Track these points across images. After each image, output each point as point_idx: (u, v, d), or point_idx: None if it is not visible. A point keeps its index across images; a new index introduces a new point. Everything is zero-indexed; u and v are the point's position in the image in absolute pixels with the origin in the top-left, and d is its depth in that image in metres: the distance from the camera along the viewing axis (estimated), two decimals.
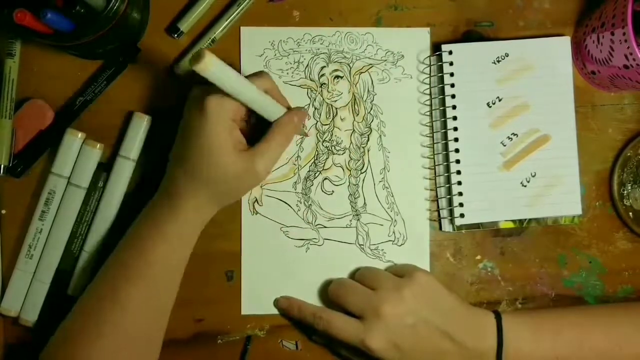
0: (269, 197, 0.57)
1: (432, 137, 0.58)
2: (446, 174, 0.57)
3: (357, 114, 0.57)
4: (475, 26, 0.58)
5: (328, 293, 0.54)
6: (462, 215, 0.56)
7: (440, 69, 0.57)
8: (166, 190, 0.51)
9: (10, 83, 0.55)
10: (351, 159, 0.58)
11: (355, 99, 0.58)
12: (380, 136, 0.58)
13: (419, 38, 0.58)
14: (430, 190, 0.58)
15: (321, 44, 0.57)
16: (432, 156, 0.58)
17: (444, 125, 0.57)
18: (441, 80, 0.57)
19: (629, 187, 0.58)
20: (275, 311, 0.57)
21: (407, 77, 0.58)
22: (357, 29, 0.58)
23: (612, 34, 0.50)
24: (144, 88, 0.57)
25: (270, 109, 0.50)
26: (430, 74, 0.58)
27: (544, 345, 0.52)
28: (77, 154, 0.55)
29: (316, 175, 0.57)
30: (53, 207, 0.55)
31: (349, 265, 0.57)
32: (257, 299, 0.56)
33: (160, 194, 0.51)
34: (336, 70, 0.57)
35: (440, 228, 0.58)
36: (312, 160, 0.57)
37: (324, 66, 0.57)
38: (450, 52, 0.56)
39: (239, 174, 0.49)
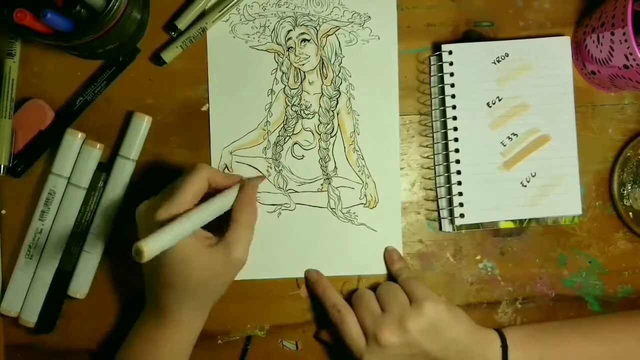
0: (238, 163, 0.57)
1: (432, 137, 0.58)
2: (446, 174, 0.57)
3: (326, 77, 0.57)
4: (475, 26, 0.58)
5: (352, 297, 0.54)
6: (462, 215, 0.56)
7: (440, 68, 0.57)
8: (154, 305, 0.50)
9: (10, 83, 0.54)
10: (321, 122, 0.57)
11: (323, 62, 0.57)
12: (349, 99, 0.57)
13: None
14: (430, 190, 0.58)
15: (287, 7, 0.57)
16: (432, 156, 0.58)
17: (444, 125, 0.57)
18: (441, 80, 0.57)
19: (629, 187, 0.58)
20: (246, 277, 0.55)
21: (374, 39, 0.57)
22: None
23: (612, 34, 0.50)
24: (144, 88, 0.57)
25: (222, 208, 0.50)
26: (430, 73, 0.58)
27: None
28: (77, 154, 0.55)
29: (286, 140, 0.57)
30: (53, 207, 0.55)
31: (320, 230, 0.57)
32: None
33: (148, 310, 0.51)
34: (303, 33, 0.57)
35: (440, 228, 0.58)
36: (282, 125, 0.57)
37: (291, 29, 0.57)
38: (450, 52, 0.56)
39: (219, 271, 0.48)
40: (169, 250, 0.44)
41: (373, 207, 0.57)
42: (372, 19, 0.57)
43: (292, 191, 0.57)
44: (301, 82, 0.57)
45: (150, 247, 0.40)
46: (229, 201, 0.50)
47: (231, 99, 0.57)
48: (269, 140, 0.57)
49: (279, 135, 0.57)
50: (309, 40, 0.57)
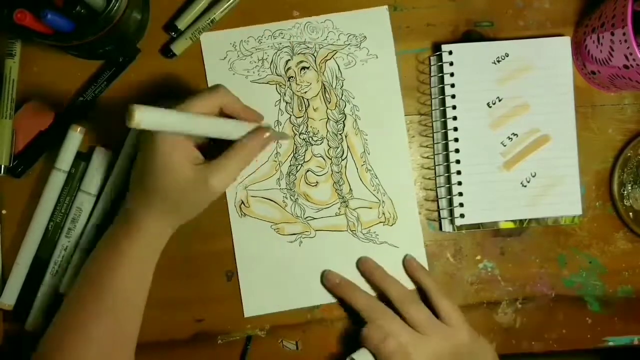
0: (254, 197, 0.57)
1: (432, 137, 0.58)
2: (446, 174, 0.57)
3: (329, 102, 0.57)
4: (475, 26, 0.58)
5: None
6: (462, 216, 0.56)
7: (440, 69, 0.57)
8: (124, 208, 0.50)
9: (10, 83, 0.55)
10: (330, 147, 0.58)
11: (325, 88, 0.57)
12: (355, 120, 0.58)
13: (379, 17, 0.58)
14: (430, 190, 0.58)
15: (282, 37, 0.57)
16: (432, 156, 0.58)
17: (444, 125, 0.57)
18: (441, 80, 0.57)
19: (629, 187, 0.58)
20: (276, 310, 0.56)
21: (372, 58, 0.58)
22: (315, 17, 0.57)
23: (612, 34, 0.50)
24: (144, 88, 0.57)
25: (228, 132, 0.48)
26: (430, 74, 0.58)
27: None
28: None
29: (298, 168, 0.57)
30: (77, 217, 0.55)
31: (343, 253, 0.57)
32: (257, 300, 0.56)
33: (117, 220, 0.51)
34: (302, 61, 0.57)
35: (441, 228, 0.58)
36: (292, 155, 0.57)
37: (289, 59, 0.57)
38: (450, 52, 0.56)
39: (191, 186, 0.47)
40: (156, 145, 0.46)
41: (392, 224, 0.57)
42: (368, 39, 0.58)
43: (310, 218, 0.57)
44: (306, 110, 0.57)
45: (143, 114, 0.39)
46: (236, 131, 0.49)
47: None
48: (281, 171, 0.57)
49: (290, 165, 0.57)
50: (308, 68, 0.57)
